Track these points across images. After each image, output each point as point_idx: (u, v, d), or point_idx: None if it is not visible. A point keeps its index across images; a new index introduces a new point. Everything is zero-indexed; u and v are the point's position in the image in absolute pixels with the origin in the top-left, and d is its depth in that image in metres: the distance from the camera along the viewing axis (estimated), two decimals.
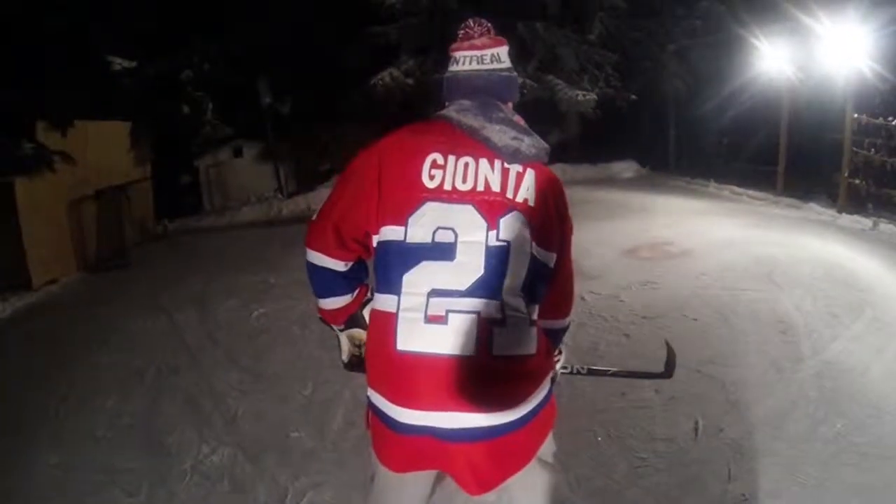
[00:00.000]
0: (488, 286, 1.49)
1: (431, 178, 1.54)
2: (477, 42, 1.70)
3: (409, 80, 12.24)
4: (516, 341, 1.51)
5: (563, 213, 1.65)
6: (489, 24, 1.73)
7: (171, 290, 6.60)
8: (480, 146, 1.57)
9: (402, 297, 1.50)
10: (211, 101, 11.67)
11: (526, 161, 1.58)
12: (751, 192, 10.21)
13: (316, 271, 1.68)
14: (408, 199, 1.53)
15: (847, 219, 7.91)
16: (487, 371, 1.48)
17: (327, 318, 1.80)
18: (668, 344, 2.56)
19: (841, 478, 2.70)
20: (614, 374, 3.09)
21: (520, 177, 1.56)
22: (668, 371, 2.48)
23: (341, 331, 1.84)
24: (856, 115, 8.22)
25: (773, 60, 9.68)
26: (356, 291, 1.74)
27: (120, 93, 10.36)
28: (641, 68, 13.36)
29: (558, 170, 12.98)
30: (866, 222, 7.57)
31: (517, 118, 1.67)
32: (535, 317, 1.58)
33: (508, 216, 1.52)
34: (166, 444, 3.46)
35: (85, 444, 3.55)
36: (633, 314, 4.85)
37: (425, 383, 1.48)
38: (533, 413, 1.55)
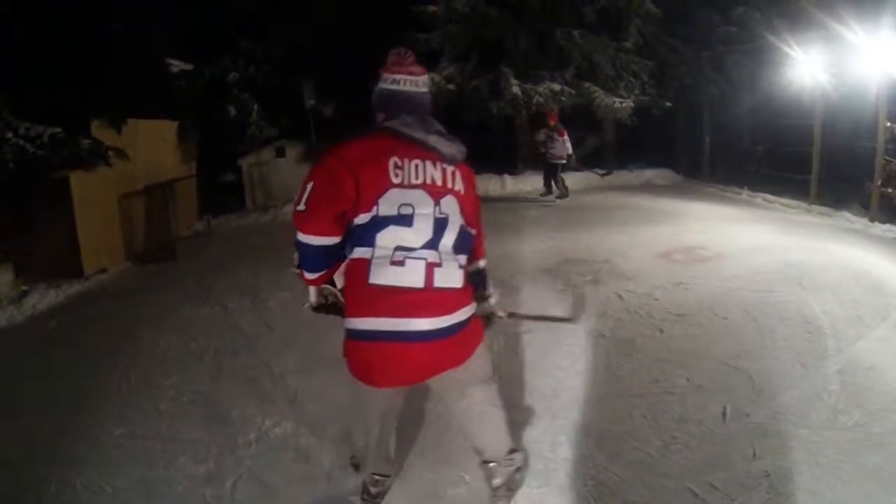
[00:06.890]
0: (433, 243, 2.16)
1: (396, 175, 2.13)
2: (414, 69, 2.29)
3: (451, 86, 12.42)
4: (449, 278, 2.16)
5: (477, 197, 2.40)
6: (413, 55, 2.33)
7: (220, 281, 6.85)
8: (425, 152, 2.19)
9: (375, 249, 2.12)
10: (256, 103, 11.96)
11: (457, 162, 2.26)
12: (783, 200, 10.28)
13: (309, 251, 2.20)
14: (380, 189, 2.11)
15: (879, 228, 7.95)
16: (430, 296, 2.12)
17: (311, 283, 2.37)
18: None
19: (859, 462, 2.86)
20: (529, 318, 4.34)
21: (453, 174, 2.25)
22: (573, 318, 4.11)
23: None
24: (889, 124, 8.24)
25: (806, 68, 9.73)
26: (335, 263, 2.29)
27: (172, 93, 10.75)
28: (677, 75, 13.41)
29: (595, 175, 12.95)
30: None
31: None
32: (461, 263, 2.24)
33: (446, 198, 2.20)
34: (230, 417, 3.67)
35: (149, 417, 3.75)
36: (667, 312, 5.01)
37: (387, 304, 2.09)
38: (461, 324, 2.18)
